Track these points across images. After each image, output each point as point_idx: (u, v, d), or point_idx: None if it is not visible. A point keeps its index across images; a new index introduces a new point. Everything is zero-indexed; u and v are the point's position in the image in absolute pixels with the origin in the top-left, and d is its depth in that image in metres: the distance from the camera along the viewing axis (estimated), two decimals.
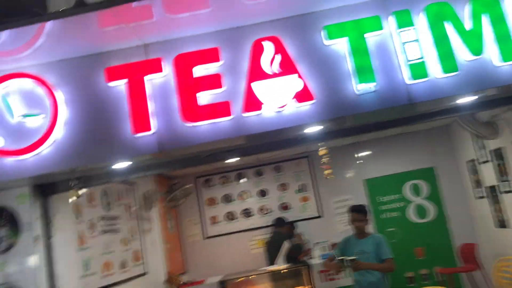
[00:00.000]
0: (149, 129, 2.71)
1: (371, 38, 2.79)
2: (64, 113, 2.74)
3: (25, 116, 2.71)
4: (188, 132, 2.73)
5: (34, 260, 2.83)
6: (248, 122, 2.75)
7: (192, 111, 2.72)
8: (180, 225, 6.83)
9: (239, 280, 5.64)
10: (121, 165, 2.93)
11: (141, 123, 2.71)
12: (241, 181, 6.88)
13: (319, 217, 6.70)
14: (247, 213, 6.81)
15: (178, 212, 6.82)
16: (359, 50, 2.76)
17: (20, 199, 2.87)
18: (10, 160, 2.68)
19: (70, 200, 3.04)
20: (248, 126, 2.74)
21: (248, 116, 2.75)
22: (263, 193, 6.80)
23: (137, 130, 2.72)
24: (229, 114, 2.74)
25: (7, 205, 2.89)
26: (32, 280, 2.80)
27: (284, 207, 6.77)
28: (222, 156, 3.27)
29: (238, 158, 3.69)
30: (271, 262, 5.93)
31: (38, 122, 2.71)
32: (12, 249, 2.84)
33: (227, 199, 6.86)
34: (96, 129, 2.73)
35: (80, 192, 3.01)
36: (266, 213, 6.76)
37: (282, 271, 5.71)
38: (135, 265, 4.98)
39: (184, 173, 6.67)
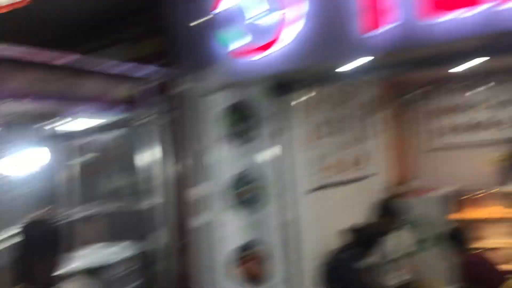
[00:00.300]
0: (385, 24, 2.50)
1: None
2: (302, 8, 2.73)
3: (264, 13, 2.78)
4: (425, 29, 2.44)
5: (268, 154, 3.07)
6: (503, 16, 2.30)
7: (430, 4, 2.39)
8: (406, 134, 6.60)
9: (474, 196, 5.28)
10: (351, 65, 2.85)
11: (374, 20, 2.52)
12: (476, 89, 6.14)
13: None
14: (480, 126, 6.14)
15: (404, 120, 6.57)
16: None
17: (258, 96, 3.09)
18: (250, 58, 2.85)
19: (301, 99, 3.16)
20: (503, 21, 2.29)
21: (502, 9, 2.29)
22: (502, 105, 5.98)
23: (371, 28, 2.55)
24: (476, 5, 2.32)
25: (246, 101, 3.15)
26: (264, 172, 3.07)
27: None
28: (464, 58, 2.88)
29: (482, 60, 3.20)
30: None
31: (274, 19, 2.76)
32: (251, 143, 3.13)
33: (458, 109, 6.26)
34: (329, 26, 2.67)
35: (311, 92, 3.08)
36: (504, 128, 5.98)
37: None
38: (356, 168, 5.06)
39: (411, 79, 6.28)
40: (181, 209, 3.30)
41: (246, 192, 3.11)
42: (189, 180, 3.33)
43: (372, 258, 3.49)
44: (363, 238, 3.44)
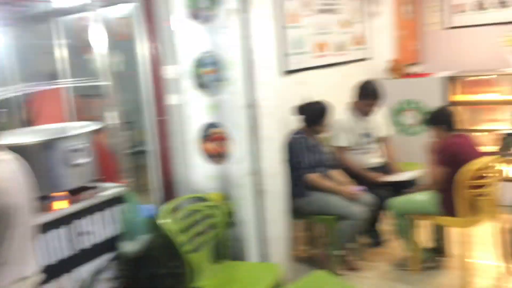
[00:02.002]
0: None
1: None
2: None
3: None
4: None
5: (229, 33, 2.97)
6: None
7: None
8: (420, 11, 6.15)
9: (473, 78, 5.02)
10: None
11: None
12: None
13: None
14: (502, 2, 5.62)
15: None
16: None
17: None
18: None
19: None
20: None
21: None
22: None
23: None
24: None
25: None
26: (227, 52, 3.00)
27: None
28: None
29: None
30: None
31: None
32: (211, 20, 3.03)
33: None
34: None
35: None
36: None
37: None
38: (356, 49, 4.87)
39: None
40: (158, 87, 3.38)
41: (210, 72, 3.09)
42: (161, 59, 3.35)
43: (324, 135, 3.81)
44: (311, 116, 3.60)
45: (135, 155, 3.66)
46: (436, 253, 3.66)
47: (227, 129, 3.09)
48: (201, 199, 3.07)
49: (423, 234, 3.64)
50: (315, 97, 3.71)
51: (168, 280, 2.75)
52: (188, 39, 3.15)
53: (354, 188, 3.55)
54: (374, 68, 5.10)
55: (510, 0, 5.49)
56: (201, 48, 3.12)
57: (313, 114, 3.59)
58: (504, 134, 4.65)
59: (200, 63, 3.12)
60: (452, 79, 4.79)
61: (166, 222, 2.64)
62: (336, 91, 4.47)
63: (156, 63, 3.38)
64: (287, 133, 3.67)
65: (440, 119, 3.38)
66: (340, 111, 3.98)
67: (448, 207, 3.23)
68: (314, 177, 3.54)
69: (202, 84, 3.15)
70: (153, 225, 2.79)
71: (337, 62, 4.51)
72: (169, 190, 3.52)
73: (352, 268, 3.62)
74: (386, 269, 3.64)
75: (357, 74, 4.54)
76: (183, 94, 3.29)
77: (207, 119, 3.20)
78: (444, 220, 3.35)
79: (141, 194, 4.02)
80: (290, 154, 3.55)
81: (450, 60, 5.68)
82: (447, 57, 5.86)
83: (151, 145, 3.46)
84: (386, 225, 3.99)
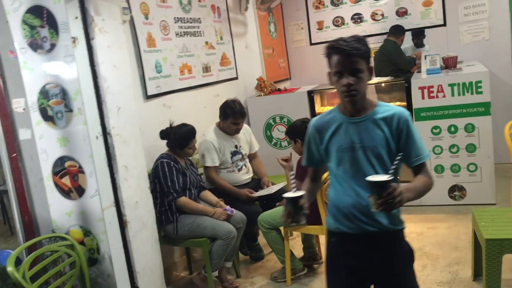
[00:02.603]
0: None
1: None
2: None
3: None
4: None
5: (75, 62, 2.86)
6: None
7: None
8: (287, 29, 6.47)
9: (331, 91, 5.35)
10: None
11: None
12: None
13: (442, 25, 5.73)
14: (358, 18, 6.11)
15: (283, 15, 6.40)
16: None
17: None
18: None
19: None
20: None
21: None
22: None
23: None
24: None
25: (43, 4, 2.85)
26: (73, 82, 2.88)
27: (402, 13, 5.88)
28: None
29: None
30: (377, 73, 5.42)
31: None
32: (54, 50, 2.89)
33: (336, 2, 6.16)
34: None
35: None
36: (379, 19, 5.98)
37: (382, 85, 5.23)
38: (222, 69, 4.95)
39: None
40: (6, 123, 3.14)
41: (57, 103, 2.93)
42: (7, 92, 3.14)
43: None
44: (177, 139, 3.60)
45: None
46: (311, 261, 3.80)
47: (80, 162, 2.95)
48: (61, 238, 2.89)
49: (297, 244, 3.75)
50: (182, 120, 3.70)
51: None
52: (32, 70, 2.97)
53: (224, 208, 3.58)
54: (243, 87, 5.24)
55: (366, 16, 5.98)
56: (46, 79, 2.96)
57: (179, 137, 3.57)
58: None
59: (46, 95, 2.96)
60: (315, 93, 5.06)
61: (13, 271, 2.43)
62: (205, 112, 4.51)
63: (2, 97, 3.15)
64: (153, 158, 3.61)
65: (296, 132, 3.53)
66: (209, 131, 4.00)
67: (313, 216, 3.37)
68: (184, 200, 3.50)
69: (51, 116, 2.98)
70: (2, 274, 2.56)
71: (204, 84, 4.55)
72: (29, 231, 3.28)
73: (229, 287, 3.62)
74: (263, 283, 3.70)
75: (226, 94, 4.63)
76: (34, 128, 3.09)
77: (59, 152, 3.02)
78: (311, 229, 3.49)
79: (6, 238, 3.69)
80: (157, 179, 3.49)
81: (314, 74, 6.03)
82: (312, 72, 6.22)
83: (7, 184, 3.21)
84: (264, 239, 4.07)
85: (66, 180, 3.01)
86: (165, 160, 3.52)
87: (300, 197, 1.72)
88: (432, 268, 3.54)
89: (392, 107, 1.87)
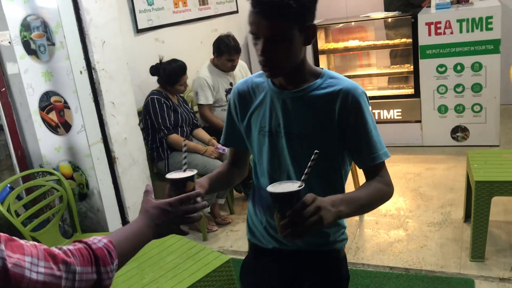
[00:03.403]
0: None
1: None
2: None
3: None
4: None
5: None
6: None
7: None
8: None
9: (339, 26, 5.14)
10: None
11: None
12: None
13: None
14: None
15: None
16: None
17: None
18: None
19: None
20: None
21: None
22: None
23: None
24: None
25: None
26: (54, 14, 2.77)
27: None
28: None
29: None
30: (386, 7, 5.16)
31: None
32: None
33: None
34: None
35: None
36: None
37: (388, 20, 5.00)
38: (221, 2, 4.74)
39: None
40: None
41: (39, 36, 2.85)
42: None
43: None
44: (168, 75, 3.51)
45: None
46: None
47: (65, 97, 2.90)
48: (49, 173, 2.91)
49: None
50: (176, 56, 3.60)
51: None
52: (12, 0, 2.86)
53: (217, 147, 3.55)
54: (244, 22, 5.04)
55: None
56: (26, 10, 2.86)
57: (169, 73, 3.48)
58: None
59: (28, 27, 2.87)
60: (319, 28, 4.85)
61: None
62: (201, 48, 4.38)
63: None
64: (144, 95, 3.55)
65: None
66: (203, 68, 3.90)
67: None
68: (175, 137, 3.48)
69: (34, 50, 2.91)
70: None
71: (200, 17, 4.38)
72: (23, 165, 3.31)
73: (221, 223, 3.67)
74: None
75: (225, 29, 4.45)
76: (19, 62, 3.03)
77: (45, 87, 2.98)
78: None
79: (7, 171, 3.75)
80: (148, 115, 3.45)
81: (318, 8, 5.75)
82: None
83: (1, 118, 3.21)
84: None
85: (53, 116, 2.99)
86: (155, 96, 3.45)
87: (190, 178, 1.19)
88: (425, 208, 3.51)
89: (341, 81, 1.29)
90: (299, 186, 1.06)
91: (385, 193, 1.28)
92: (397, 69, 4.98)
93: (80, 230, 2.88)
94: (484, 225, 2.72)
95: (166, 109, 3.46)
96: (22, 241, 0.81)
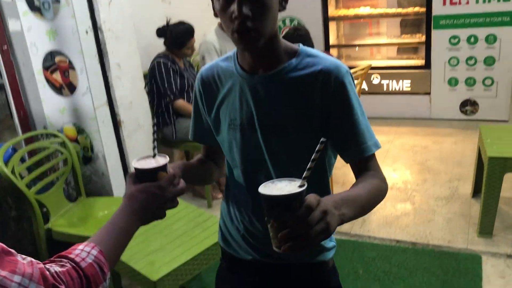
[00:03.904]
0: None
1: None
2: None
3: None
4: None
5: None
6: None
7: None
8: None
9: None
10: None
11: None
12: None
13: None
14: None
15: None
16: None
17: None
18: None
19: None
20: None
21: None
22: None
23: None
24: None
25: None
26: None
27: None
28: None
29: None
30: None
31: None
32: None
33: None
34: None
35: None
36: None
37: None
38: None
39: None
40: None
41: None
42: None
43: None
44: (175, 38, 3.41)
45: None
46: None
47: (70, 57, 2.81)
48: (53, 135, 2.84)
49: None
50: (184, 18, 3.47)
51: (15, 224, 2.57)
52: None
53: None
54: None
55: None
56: None
57: (176, 35, 3.37)
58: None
59: None
60: None
61: (0, 165, 2.41)
62: (207, 9, 4.23)
63: None
64: (150, 58, 3.45)
65: (296, 39, 3.29)
66: (210, 32, 3.78)
67: None
68: (182, 103, 3.40)
69: (38, 7, 2.79)
70: None
71: None
72: (25, 126, 3.24)
73: None
74: None
75: None
76: (21, 18, 2.92)
77: (49, 46, 2.88)
78: None
79: (7, 131, 3.69)
80: (154, 80, 3.36)
81: None
82: None
83: (3, 77, 3.11)
84: None
85: (57, 76, 2.90)
86: (162, 60, 3.36)
87: (162, 168, 0.99)
88: (433, 182, 3.48)
89: (321, 59, 1.09)
90: (301, 186, 0.84)
91: (383, 191, 1.08)
92: (407, 39, 4.86)
93: (84, 194, 2.84)
94: (495, 202, 2.69)
95: (172, 74, 3.37)
96: (18, 257, 0.71)
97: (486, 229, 2.75)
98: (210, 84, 1.19)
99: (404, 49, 5.03)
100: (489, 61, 4.22)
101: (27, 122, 3.24)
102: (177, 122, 3.43)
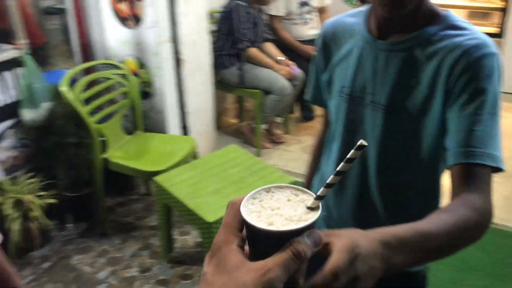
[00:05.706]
0: None
1: None
2: None
3: None
4: None
5: None
6: None
7: None
8: None
9: None
10: None
11: None
12: None
13: None
14: None
15: None
16: None
17: None
18: None
19: None
20: None
21: None
22: None
23: None
24: None
25: None
26: None
27: None
28: None
29: None
30: None
31: None
32: None
33: None
34: None
35: None
36: None
37: None
38: None
39: None
40: None
41: None
42: None
43: None
44: None
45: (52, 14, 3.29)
46: None
47: None
48: (115, 66, 2.83)
49: None
50: None
51: (73, 150, 2.62)
52: None
53: (292, 68, 3.35)
54: None
55: None
56: None
57: None
58: None
59: None
60: None
61: (66, 90, 2.43)
62: None
63: None
64: None
65: None
66: None
67: None
68: (255, 51, 3.29)
69: None
70: (56, 93, 2.57)
71: None
72: (86, 55, 3.25)
73: (276, 142, 3.60)
74: (309, 143, 3.65)
75: None
76: None
77: None
78: None
79: (61, 57, 3.71)
80: (229, 23, 3.22)
81: None
82: None
83: (65, 3, 3.10)
84: None
85: (125, 6, 2.85)
86: (242, 3, 3.20)
87: (311, 226, 0.49)
88: None
89: (466, 32, 0.87)
90: (311, 209, 0.50)
91: (479, 226, 0.76)
92: (481, 2, 4.54)
93: (143, 129, 2.85)
94: None
95: (249, 20, 3.24)
96: None
97: None
98: (329, 41, 1.07)
99: (476, 14, 4.72)
100: None
101: (88, 50, 3.24)
102: (236, 66, 3.35)
